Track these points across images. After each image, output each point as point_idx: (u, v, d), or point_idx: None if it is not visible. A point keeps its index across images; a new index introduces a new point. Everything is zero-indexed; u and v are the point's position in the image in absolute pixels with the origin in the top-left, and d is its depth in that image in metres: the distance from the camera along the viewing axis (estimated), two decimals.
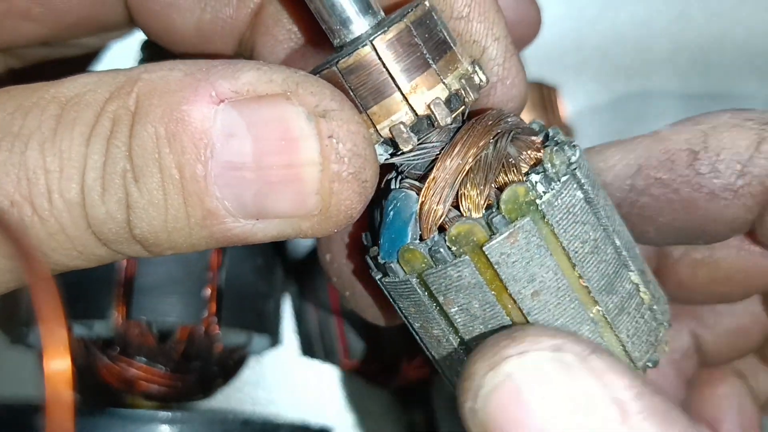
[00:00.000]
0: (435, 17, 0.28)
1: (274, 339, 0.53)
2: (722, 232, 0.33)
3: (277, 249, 0.54)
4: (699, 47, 0.64)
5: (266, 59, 0.37)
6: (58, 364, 0.24)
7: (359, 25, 0.27)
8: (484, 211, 0.27)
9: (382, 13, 0.28)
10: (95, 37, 0.41)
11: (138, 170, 0.26)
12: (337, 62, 0.27)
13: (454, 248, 0.27)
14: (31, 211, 0.26)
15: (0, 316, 0.50)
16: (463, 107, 0.28)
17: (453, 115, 0.27)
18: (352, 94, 0.27)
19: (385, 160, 0.28)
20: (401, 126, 0.27)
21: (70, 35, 0.39)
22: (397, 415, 0.60)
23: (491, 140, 0.28)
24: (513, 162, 0.28)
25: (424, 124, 0.27)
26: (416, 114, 0.27)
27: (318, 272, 0.54)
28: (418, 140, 0.27)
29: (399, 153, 0.28)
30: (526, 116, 0.53)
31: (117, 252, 0.27)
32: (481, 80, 0.28)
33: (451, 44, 0.28)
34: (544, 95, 0.55)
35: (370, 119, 0.27)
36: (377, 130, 0.27)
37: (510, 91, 0.32)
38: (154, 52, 0.48)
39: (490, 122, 0.28)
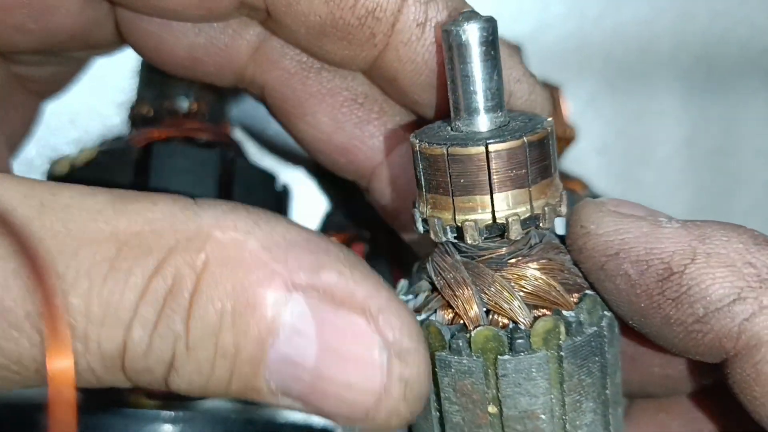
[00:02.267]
0: (550, 142, 0.29)
1: None
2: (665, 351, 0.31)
3: None
4: (702, 46, 0.64)
5: (284, 94, 0.36)
6: (61, 363, 0.24)
7: (483, 120, 0.29)
8: (511, 325, 0.29)
9: (506, 115, 0.30)
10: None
11: (193, 340, 0.25)
12: (449, 147, 0.28)
13: (477, 346, 0.29)
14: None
15: None
16: (533, 228, 0.30)
17: (523, 233, 0.29)
18: (448, 176, 0.29)
19: (479, 243, 0.30)
20: (474, 223, 0.29)
21: (62, 49, 0.38)
22: None
23: (548, 267, 0.30)
24: (554, 296, 0.30)
25: (494, 230, 0.29)
26: (494, 220, 0.29)
27: None
28: (483, 241, 0.29)
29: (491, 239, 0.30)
30: None
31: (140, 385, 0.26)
32: (560, 212, 0.30)
33: (552, 171, 0.30)
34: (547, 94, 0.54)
35: (453, 204, 0.29)
36: (454, 216, 0.29)
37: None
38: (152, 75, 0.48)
39: (553, 250, 0.31)
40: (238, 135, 0.54)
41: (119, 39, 0.37)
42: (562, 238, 0.32)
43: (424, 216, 0.30)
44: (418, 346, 0.26)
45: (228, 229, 0.25)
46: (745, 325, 0.26)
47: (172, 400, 0.48)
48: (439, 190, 0.29)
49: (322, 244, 0.26)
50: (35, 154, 0.39)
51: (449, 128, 0.30)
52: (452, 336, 0.29)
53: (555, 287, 0.30)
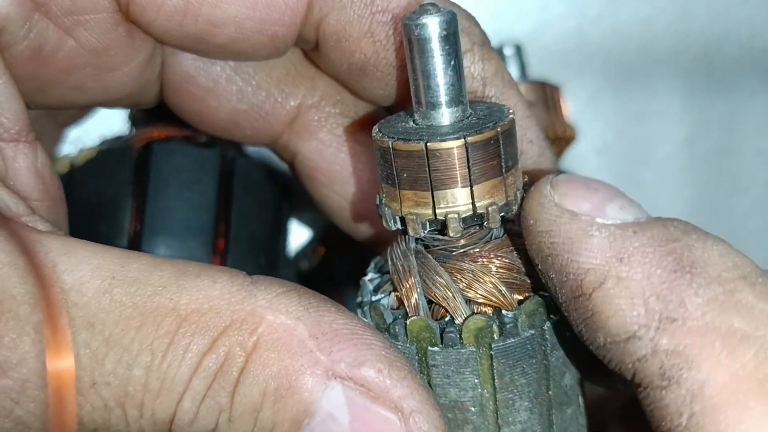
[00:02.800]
0: (501, 141, 0.29)
1: None
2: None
3: (279, 248, 0.54)
4: (701, 45, 0.64)
5: (316, 163, 0.38)
6: (62, 363, 0.24)
7: (441, 114, 0.29)
8: (447, 318, 0.30)
9: (468, 107, 0.30)
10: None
11: (235, 414, 0.27)
12: (427, 142, 0.28)
13: (411, 334, 0.30)
14: (120, 413, 0.26)
15: None
16: (509, 215, 0.30)
17: (462, 231, 0.29)
18: (395, 168, 0.29)
19: (422, 236, 0.30)
20: (416, 217, 0.29)
21: (108, 106, 0.39)
22: None
23: (497, 265, 0.30)
24: (495, 295, 0.30)
25: (475, 220, 0.29)
26: (475, 211, 0.29)
27: (320, 272, 0.54)
28: (428, 233, 0.30)
29: (435, 233, 0.30)
30: None
31: None
32: (511, 211, 0.30)
33: (503, 171, 0.30)
34: (547, 94, 0.55)
35: (399, 196, 0.30)
36: (400, 207, 0.30)
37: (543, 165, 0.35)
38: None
39: (509, 246, 0.31)
40: None
41: (159, 98, 0.38)
42: None
43: (380, 203, 0.31)
44: None
45: (279, 312, 0.27)
46: (637, 366, 0.26)
47: None
48: (389, 180, 0.30)
49: (366, 337, 0.27)
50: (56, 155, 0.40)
51: (411, 120, 0.30)
52: (393, 320, 0.30)
53: (497, 287, 0.30)
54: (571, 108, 0.57)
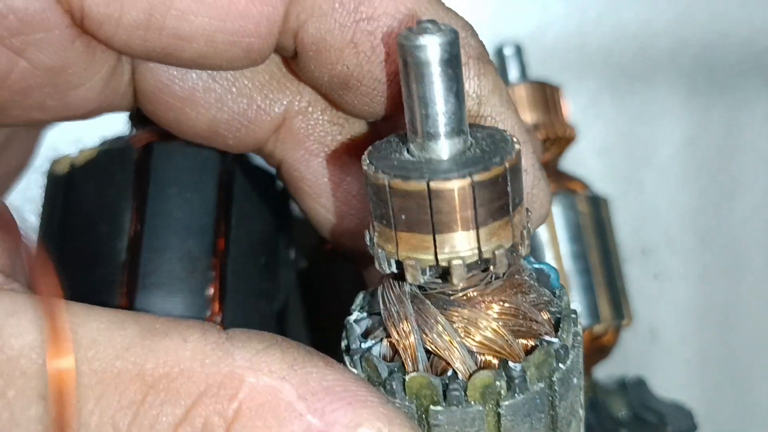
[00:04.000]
0: (508, 178, 0.26)
1: None
2: None
3: (279, 248, 0.54)
4: (702, 46, 0.64)
5: (302, 173, 0.36)
6: (62, 363, 0.24)
7: (439, 146, 0.26)
8: (450, 373, 0.27)
9: (468, 139, 0.27)
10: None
11: None
12: (429, 181, 0.25)
13: (411, 391, 0.27)
14: None
15: None
16: (515, 257, 0.28)
17: (468, 277, 0.27)
18: (391, 207, 0.26)
19: (422, 282, 0.27)
20: (416, 263, 0.26)
21: (79, 119, 0.37)
22: None
23: (501, 311, 0.28)
24: (501, 345, 0.27)
25: (480, 265, 0.27)
26: (481, 256, 0.26)
27: (320, 272, 0.54)
28: (426, 281, 0.27)
29: (436, 280, 0.28)
30: (530, 117, 0.53)
31: None
32: (519, 253, 0.28)
33: (510, 210, 0.27)
34: (548, 95, 0.55)
35: (396, 238, 0.26)
36: (397, 251, 0.27)
37: (538, 212, 0.33)
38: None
39: (512, 289, 0.28)
40: None
41: (134, 104, 0.36)
42: (539, 271, 0.30)
43: (371, 243, 0.28)
44: None
45: (262, 373, 0.24)
46: None
47: None
48: (383, 221, 0.27)
49: (360, 393, 0.25)
50: (36, 155, 0.40)
51: (405, 150, 0.27)
52: (389, 374, 0.27)
53: (503, 336, 0.27)
54: (571, 108, 0.57)
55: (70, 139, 0.52)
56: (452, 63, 0.25)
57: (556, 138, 0.53)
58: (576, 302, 0.50)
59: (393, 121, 0.32)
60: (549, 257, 0.51)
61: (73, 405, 0.23)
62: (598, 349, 0.52)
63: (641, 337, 0.63)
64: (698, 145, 0.65)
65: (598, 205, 0.53)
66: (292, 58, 0.32)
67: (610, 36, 0.63)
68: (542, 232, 0.51)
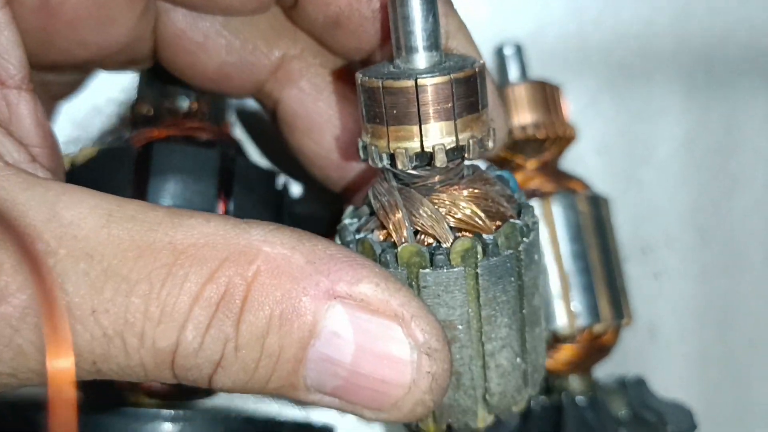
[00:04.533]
0: (478, 80, 0.33)
1: None
2: None
3: None
4: (702, 45, 0.64)
5: (295, 110, 0.41)
6: (61, 363, 0.24)
7: (420, 58, 0.32)
8: (434, 244, 0.33)
9: (443, 55, 0.33)
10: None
11: (241, 342, 0.27)
12: (417, 78, 0.31)
13: (402, 260, 0.32)
14: (120, 343, 0.26)
15: None
16: (460, 160, 0.33)
17: (447, 163, 0.32)
18: (383, 107, 0.32)
19: (408, 170, 0.33)
20: (405, 150, 0.32)
21: (104, 65, 0.42)
22: None
23: (474, 195, 0.34)
24: (476, 221, 0.33)
25: (457, 152, 0.32)
26: (458, 143, 0.32)
27: None
28: (413, 167, 0.33)
29: (417, 168, 0.33)
30: (530, 116, 0.53)
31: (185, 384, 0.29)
32: (486, 147, 0.33)
33: (480, 108, 0.33)
34: (547, 94, 0.55)
35: (387, 133, 0.32)
36: (388, 144, 0.32)
37: (497, 134, 0.37)
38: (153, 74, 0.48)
39: (482, 181, 0.34)
40: (238, 134, 0.54)
41: (153, 57, 0.41)
42: (500, 177, 0.36)
43: (365, 144, 0.33)
44: (444, 347, 0.29)
45: (275, 244, 0.28)
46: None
47: (172, 399, 0.48)
48: (376, 120, 0.32)
49: (359, 259, 0.29)
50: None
51: (391, 66, 0.33)
52: (382, 251, 0.33)
53: (477, 213, 0.33)
54: (571, 108, 0.57)
55: (70, 138, 0.52)
56: None
57: (556, 137, 0.53)
58: (576, 301, 0.50)
59: (372, 60, 0.38)
60: (549, 257, 0.51)
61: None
62: (598, 349, 0.52)
63: (641, 336, 0.63)
64: (698, 143, 0.65)
65: (598, 204, 0.53)
66: (291, 7, 0.38)
67: (609, 35, 0.63)
68: (542, 232, 0.51)
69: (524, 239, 0.34)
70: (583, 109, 0.62)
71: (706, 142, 0.65)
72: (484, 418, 0.35)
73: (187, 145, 0.44)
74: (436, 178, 0.33)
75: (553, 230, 0.51)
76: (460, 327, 0.33)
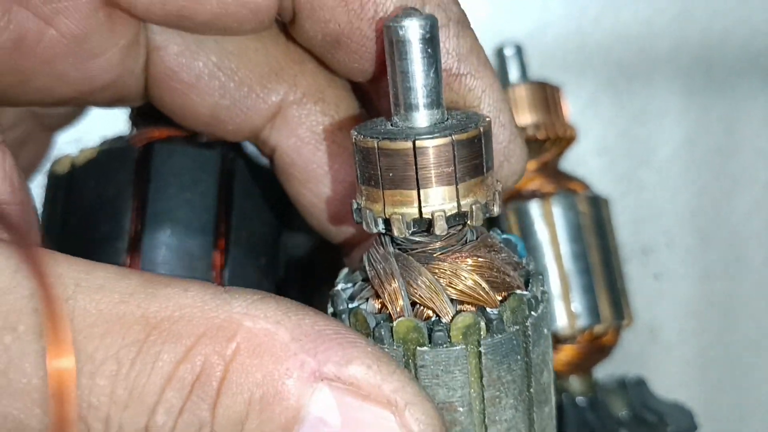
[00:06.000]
0: (483, 140, 0.30)
1: None
2: None
3: (279, 249, 0.54)
4: (701, 46, 0.64)
5: (293, 159, 0.39)
6: (62, 363, 0.24)
7: (419, 116, 0.30)
8: (434, 318, 0.30)
9: (445, 113, 0.31)
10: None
11: (218, 427, 0.25)
12: (414, 139, 0.29)
13: (398, 336, 0.30)
14: (84, 428, 0.25)
15: None
16: (461, 226, 0.31)
17: (448, 230, 0.30)
18: (379, 168, 0.29)
19: (406, 236, 0.31)
20: (401, 216, 0.30)
21: (92, 102, 0.39)
22: None
23: (477, 264, 0.31)
24: (479, 293, 0.30)
25: (458, 219, 0.30)
26: (459, 209, 0.30)
27: (321, 271, 0.54)
28: (411, 234, 0.30)
29: (416, 235, 0.31)
30: (531, 117, 0.53)
31: None
32: (492, 211, 0.31)
33: (484, 170, 0.30)
34: (548, 95, 0.55)
35: (383, 197, 0.30)
36: (384, 209, 0.30)
37: (513, 167, 0.36)
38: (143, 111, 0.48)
39: (486, 248, 0.32)
40: None
41: (144, 95, 0.38)
42: (506, 241, 0.33)
43: (359, 206, 0.31)
44: None
45: (258, 318, 0.25)
46: None
47: None
48: (371, 182, 0.30)
49: (350, 336, 0.26)
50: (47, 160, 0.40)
51: (389, 123, 0.31)
52: (377, 324, 0.30)
53: (480, 285, 0.30)
54: (571, 108, 0.57)
55: (70, 139, 0.52)
56: (431, 43, 0.29)
57: (556, 138, 0.53)
58: (576, 302, 0.50)
59: (378, 84, 0.36)
60: (549, 257, 0.51)
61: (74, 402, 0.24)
62: (598, 349, 0.52)
63: (641, 337, 0.63)
64: (698, 144, 0.65)
65: (598, 205, 0.53)
66: (291, 21, 0.35)
67: (609, 36, 0.63)
68: (542, 232, 0.51)
69: (532, 313, 0.31)
70: (583, 109, 0.62)
71: (706, 143, 0.65)
72: None
73: (188, 145, 0.44)
74: (437, 245, 0.31)
75: (553, 230, 0.51)
76: (460, 409, 0.30)
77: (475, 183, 0.30)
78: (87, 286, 0.25)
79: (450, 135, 0.29)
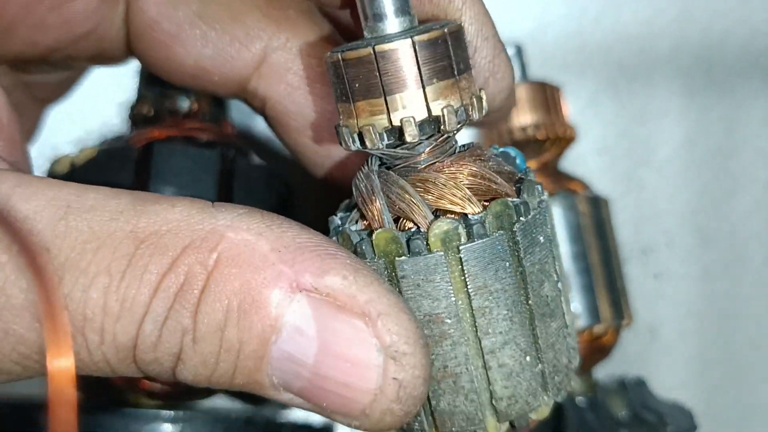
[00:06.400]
0: (449, 43, 0.29)
1: None
2: None
3: None
4: (702, 46, 0.64)
5: (286, 107, 0.38)
6: (62, 363, 0.24)
7: (388, 25, 0.29)
8: (413, 229, 0.30)
9: (416, 20, 0.30)
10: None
11: (199, 334, 0.26)
12: (375, 45, 0.28)
13: (378, 248, 0.29)
14: (81, 340, 0.26)
15: None
16: (439, 134, 0.30)
17: (421, 137, 0.29)
18: (347, 82, 0.29)
19: (381, 147, 0.30)
20: (372, 127, 0.29)
21: (73, 55, 0.39)
22: None
23: (458, 173, 0.30)
24: (459, 200, 0.30)
25: (431, 125, 0.29)
26: (430, 113, 0.29)
27: None
28: (387, 146, 0.30)
29: (395, 145, 0.30)
30: (530, 117, 0.53)
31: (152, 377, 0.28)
32: (469, 116, 0.30)
33: (455, 73, 0.29)
34: (548, 95, 0.55)
35: (354, 110, 0.29)
36: (356, 122, 0.29)
37: (500, 84, 0.35)
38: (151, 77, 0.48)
39: (472, 158, 0.31)
40: (239, 134, 0.54)
41: (127, 50, 0.39)
42: (504, 154, 0.33)
43: (336, 126, 0.30)
44: (416, 350, 0.26)
45: (241, 230, 0.26)
46: None
47: (172, 399, 0.48)
48: (343, 98, 0.29)
49: (330, 248, 0.27)
50: (36, 154, 0.40)
51: (362, 41, 0.30)
52: (360, 240, 0.30)
53: (462, 192, 0.29)
54: (571, 108, 0.57)
55: (70, 139, 0.52)
56: None
57: (556, 138, 0.53)
58: (576, 302, 0.50)
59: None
60: None
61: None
62: (598, 349, 0.52)
63: (641, 337, 0.63)
64: (698, 144, 0.65)
65: (598, 205, 0.53)
66: None
67: (610, 36, 0.63)
68: None
69: (521, 219, 0.30)
70: (583, 109, 0.62)
71: (706, 143, 0.65)
72: (496, 427, 0.31)
73: (188, 145, 0.44)
74: (421, 157, 0.30)
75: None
76: (448, 321, 0.29)
77: (445, 86, 0.29)
78: (78, 207, 0.26)
79: (410, 36, 0.28)
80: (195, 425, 0.44)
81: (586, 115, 0.62)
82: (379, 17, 0.29)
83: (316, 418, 0.53)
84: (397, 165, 0.31)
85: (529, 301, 0.30)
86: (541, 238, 0.31)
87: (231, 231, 0.26)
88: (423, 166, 0.30)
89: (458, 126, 0.30)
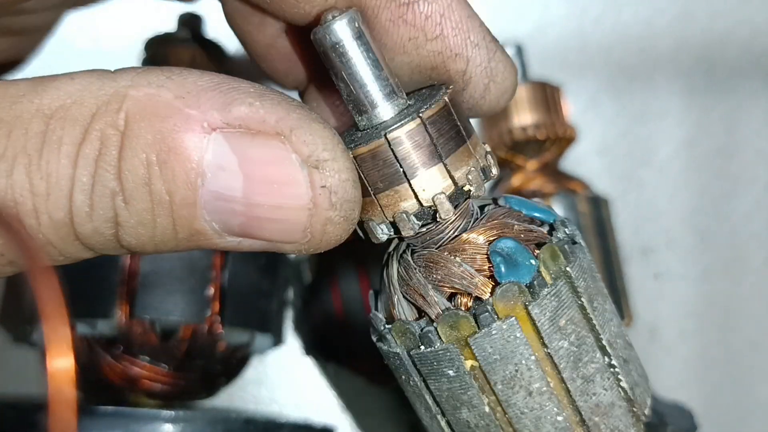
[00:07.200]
0: (452, 110, 0.29)
1: (277, 338, 0.53)
2: None
3: None
4: (702, 46, 0.64)
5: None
6: (62, 363, 0.24)
7: (384, 110, 0.29)
8: (472, 303, 0.29)
9: (404, 93, 0.29)
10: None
11: (128, 193, 0.26)
12: (386, 133, 0.28)
13: (443, 337, 0.28)
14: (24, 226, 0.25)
15: (3, 315, 0.50)
16: (467, 200, 0.29)
17: (454, 210, 0.28)
18: (363, 177, 0.28)
19: (417, 232, 0.29)
20: (404, 214, 0.28)
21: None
22: (399, 414, 0.60)
23: (492, 230, 0.30)
24: (469, 282, 0.29)
25: (461, 195, 0.29)
26: (456, 185, 0.28)
27: (320, 272, 0.54)
28: (421, 227, 0.29)
29: (426, 224, 0.29)
30: (531, 117, 0.53)
31: (102, 254, 0.28)
32: (490, 174, 0.29)
33: (465, 137, 0.29)
34: (548, 95, 0.55)
35: (378, 202, 0.29)
36: (383, 213, 0.29)
37: (502, 86, 0.33)
38: (155, 52, 0.48)
39: (501, 217, 0.30)
40: None
41: None
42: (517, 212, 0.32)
43: (361, 225, 0.30)
44: (335, 154, 0.26)
45: (142, 87, 0.26)
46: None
47: (172, 399, 0.48)
48: (362, 194, 0.28)
49: (232, 83, 0.26)
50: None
51: (357, 131, 0.29)
52: (422, 331, 0.29)
53: (465, 271, 0.29)
54: (571, 108, 0.57)
55: None
56: (363, 34, 0.28)
57: (556, 138, 0.53)
58: None
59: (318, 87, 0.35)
60: None
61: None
62: None
63: (641, 337, 0.63)
64: (698, 144, 0.65)
65: (598, 205, 0.53)
66: None
67: (610, 36, 0.63)
68: None
69: (571, 255, 0.29)
70: (583, 109, 0.62)
71: (706, 143, 0.65)
72: None
73: None
74: (447, 229, 0.29)
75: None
76: (536, 383, 0.28)
77: (461, 152, 0.29)
78: None
79: (418, 115, 0.28)
80: (195, 425, 0.44)
81: (586, 115, 0.62)
82: (372, 105, 0.29)
83: (315, 419, 0.53)
84: (426, 243, 0.30)
85: (597, 329, 0.30)
86: (585, 263, 0.30)
87: (133, 89, 0.26)
88: (452, 236, 0.30)
89: (483, 185, 0.29)
